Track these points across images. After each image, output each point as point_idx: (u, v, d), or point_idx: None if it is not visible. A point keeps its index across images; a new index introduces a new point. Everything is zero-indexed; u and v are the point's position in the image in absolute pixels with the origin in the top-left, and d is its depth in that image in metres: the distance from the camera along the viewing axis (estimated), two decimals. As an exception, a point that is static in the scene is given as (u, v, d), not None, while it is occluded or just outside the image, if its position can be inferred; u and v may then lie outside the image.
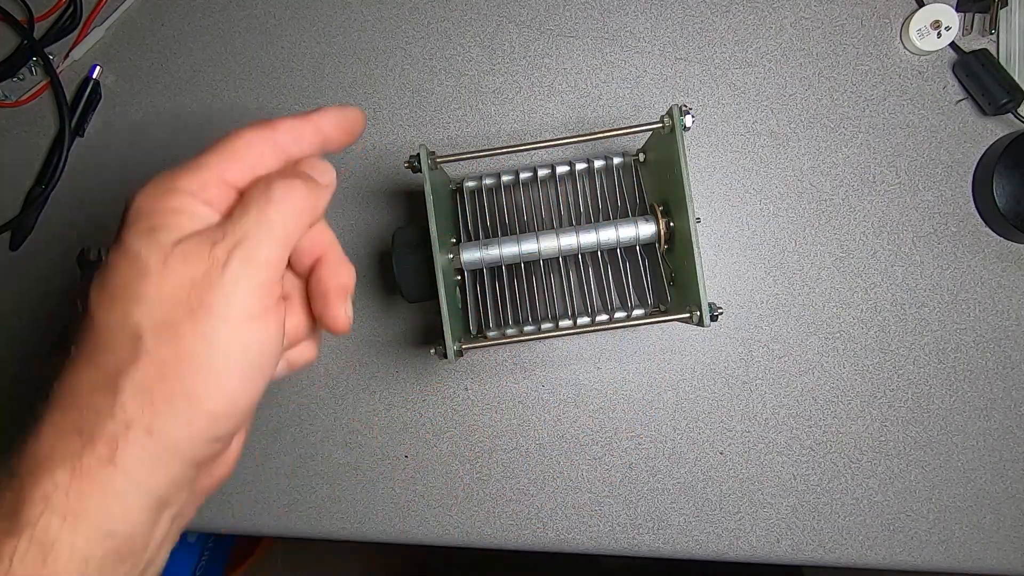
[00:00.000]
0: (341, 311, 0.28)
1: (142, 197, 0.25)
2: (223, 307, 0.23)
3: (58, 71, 0.60)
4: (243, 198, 0.26)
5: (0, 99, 0.61)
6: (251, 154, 0.27)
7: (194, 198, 0.25)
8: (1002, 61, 0.53)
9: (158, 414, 0.23)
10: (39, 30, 0.61)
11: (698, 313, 0.41)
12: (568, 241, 0.46)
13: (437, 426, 0.57)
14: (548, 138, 0.45)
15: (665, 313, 0.46)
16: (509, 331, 0.47)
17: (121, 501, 0.22)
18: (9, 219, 0.60)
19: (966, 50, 0.54)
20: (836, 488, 0.54)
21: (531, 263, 0.48)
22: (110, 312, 0.24)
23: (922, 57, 0.55)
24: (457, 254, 0.46)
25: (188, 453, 0.24)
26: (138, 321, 0.23)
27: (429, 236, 0.42)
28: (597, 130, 0.45)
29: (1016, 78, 0.52)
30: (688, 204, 0.41)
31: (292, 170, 0.27)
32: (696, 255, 0.41)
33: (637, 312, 0.47)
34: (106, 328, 0.23)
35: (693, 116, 0.42)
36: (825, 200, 0.55)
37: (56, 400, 0.23)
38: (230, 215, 0.25)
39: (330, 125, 0.29)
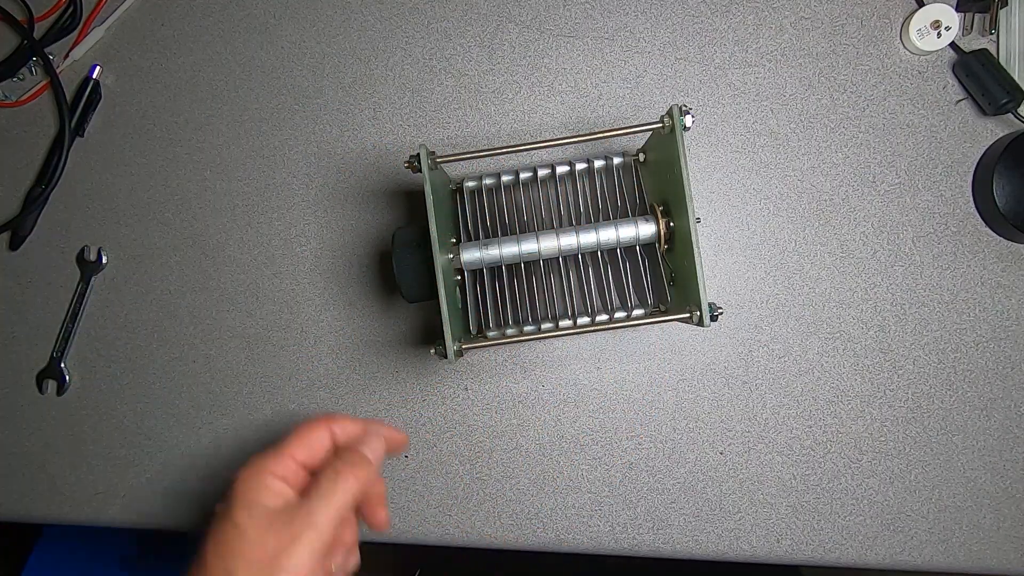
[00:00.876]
0: (382, 512, 0.41)
1: (244, 472, 0.37)
2: (294, 562, 0.34)
3: (58, 71, 0.60)
4: (316, 482, 0.37)
5: (0, 99, 0.61)
6: (313, 438, 0.40)
7: (275, 477, 0.37)
8: (1002, 61, 0.53)
9: None
10: (39, 30, 0.61)
11: (698, 313, 0.41)
12: (568, 241, 0.46)
13: (437, 426, 0.57)
14: (548, 138, 0.45)
15: (665, 313, 0.46)
16: (509, 331, 0.47)
17: None
18: (9, 219, 0.60)
19: (966, 50, 0.54)
20: (836, 488, 0.54)
21: (531, 263, 0.48)
22: (217, 561, 0.35)
23: (922, 57, 0.55)
24: (457, 254, 0.46)
25: None
26: (234, 571, 0.34)
27: (429, 236, 0.42)
28: (597, 130, 0.45)
29: (1016, 78, 0.52)
30: (688, 204, 0.41)
31: (351, 451, 0.39)
32: (696, 255, 0.41)
33: (637, 312, 0.47)
34: (213, 572, 0.34)
35: (693, 116, 0.42)
36: (825, 200, 0.55)
37: None
38: (305, 493, 0.37)
39: (377, 435, 0.41)
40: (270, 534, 0.35)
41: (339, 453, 0.39)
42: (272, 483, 0.37)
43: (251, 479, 0.37)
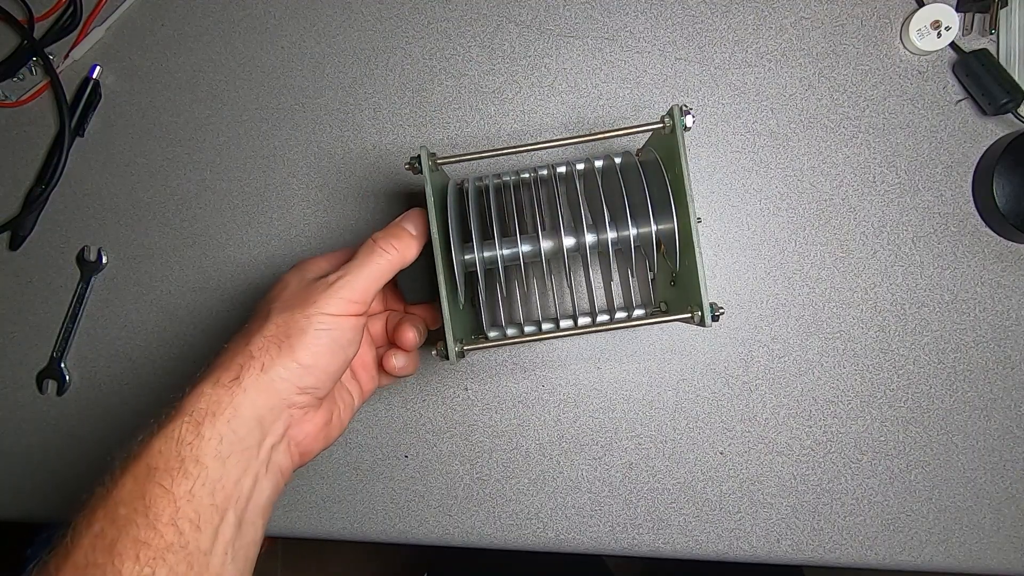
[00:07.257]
0: (410, 333, 0.46)
1: (300, 262, 0.44)
2: (325, 304, 0.38)
3: (58, 71, 0.60)
4: (357, 252, 0.42)
5: (0, 99, 0.61)
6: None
7: (327, 264, 0.44)
8: (1002, 61, 0.53)
9: (270, 357, 0.37)
10: (39, 30, 0.61)
11: (699, 313, 0.41)
12: (568, 241, 0.46)
13: (437, 426, 0.57)
14: (548, 138, 0.45)
15: (665, 313, 0.46)
16: (509, 331, 0.47)
17: (239, 408, 0.35)
18: (9, 219, 0.60)
19: (966, 50, 0.54)
20: (836, 488, 0.54)
21: (531, 263, 0.48)
22: (262, 305, 0.40)
23: (922, 57, 0.55)
24: (458, 254, 0.46)
25: (283, 391, 0.37)
26: (271, 307, 0.39)
27: (430, 236, 0.42)
28: (597, 130, 0.45)
29: (1016, 78, 0.52)
30: (689, 204, 0.41)
31: (392, 224, 0.43)
32: (697, 255, 0.41)
33: (637, 312, 0.47)
34: (256, 312, 0.40)
35: (694, 116, 0.42)
36: (825, 200, 0.55)
37: (220, 352, 0.38)
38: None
39: (419, 212, 0.44)
40: (309, 287, 0.40)
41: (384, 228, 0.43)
42: (321, 264, 0.43)
43: (305, 261, 0.44)
